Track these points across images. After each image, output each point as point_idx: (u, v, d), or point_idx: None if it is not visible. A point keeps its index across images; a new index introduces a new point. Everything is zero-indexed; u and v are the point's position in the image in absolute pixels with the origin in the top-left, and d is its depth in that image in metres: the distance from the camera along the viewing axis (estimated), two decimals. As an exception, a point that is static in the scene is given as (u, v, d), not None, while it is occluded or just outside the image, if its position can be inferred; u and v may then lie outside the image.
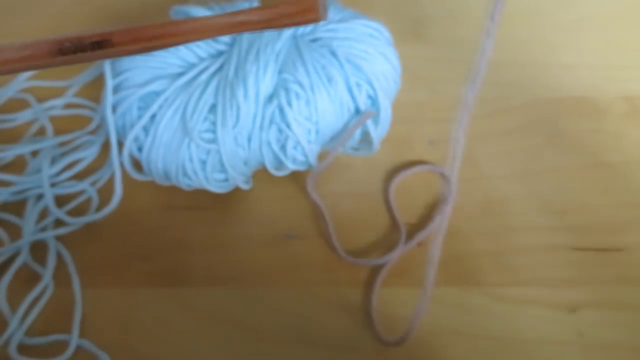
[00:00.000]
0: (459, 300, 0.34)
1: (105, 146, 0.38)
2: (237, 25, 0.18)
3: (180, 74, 0.35)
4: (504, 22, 0.44)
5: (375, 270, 0.34)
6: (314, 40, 0.35)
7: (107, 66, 0.36)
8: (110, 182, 0.37)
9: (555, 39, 0.42)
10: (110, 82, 0.35)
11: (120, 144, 0.36)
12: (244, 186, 0.35)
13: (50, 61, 0.17)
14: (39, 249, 0.35)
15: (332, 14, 0.36)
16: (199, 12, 0.36)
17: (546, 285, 0.34)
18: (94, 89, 0.40)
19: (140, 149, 0.35)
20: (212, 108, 0.34)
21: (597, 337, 0.33)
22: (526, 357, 0.33)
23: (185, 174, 0.34)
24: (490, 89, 0.41)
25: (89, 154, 0.38)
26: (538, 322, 0.33)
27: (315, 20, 0.19)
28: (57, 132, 0.39)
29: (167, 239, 0.36)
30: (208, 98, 0.34)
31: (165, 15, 0.38)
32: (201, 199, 0.36)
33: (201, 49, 0.35)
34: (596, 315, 0.33)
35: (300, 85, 0.33)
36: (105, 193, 0.37)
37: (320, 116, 0.33)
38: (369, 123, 0.34)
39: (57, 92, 0.41)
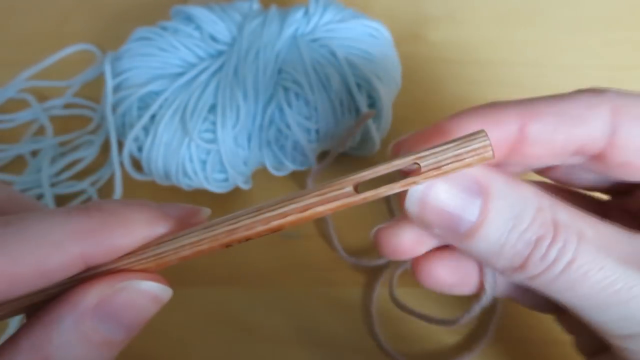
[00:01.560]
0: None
1: (105, 146, 0.38)
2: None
3: (180, 74, 0.35)
4: (504, 22, 0.44)
5: (376, 271, 0.34)
6: (314, 40, 0.35)
7: (107, 66, 0.36)
8: (110, 182, 0.37)
9: (555, 39, 0.42)
10: (110, 82, 0.35)
11: (120, 144, 0.36)
12: (244, 186, 0.35)
13: (213, 252, 0.18)
14: (39, 249, 0.35)
15: (332, 14, 0.36)
16: (199, 11, 0.36)
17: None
18: (94, 89, 0.40)
19: (140, 149, 0.35)
20: (212, 108, 0.34)
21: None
22: (535, 358, 0.33)
23: (185, 174, 0.34)
24: (490, 89, 0.41)
25: (88, 154, 0.38)
26: (547, 322, 0.33)
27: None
28: (57, 132, 0.39)
29: (167, 239, 0.36)
30: (208, 98, 0.34)
31: (166, 16, 0.38)
32: (201, 199, 0.36)
33: (201, 49, 0.35)
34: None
35: (300, 85, 0.33)
36: (105, 193, 0.37)
37: (320, 116, 0.33)
38: (370, 123, 0.34)
39: (57, 92, 0.41)
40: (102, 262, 0.17)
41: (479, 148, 0.16)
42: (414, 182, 0.16)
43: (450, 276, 0.22)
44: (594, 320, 0.19)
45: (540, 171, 0.23)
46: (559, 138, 0.19)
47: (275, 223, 0.17)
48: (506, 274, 0.19)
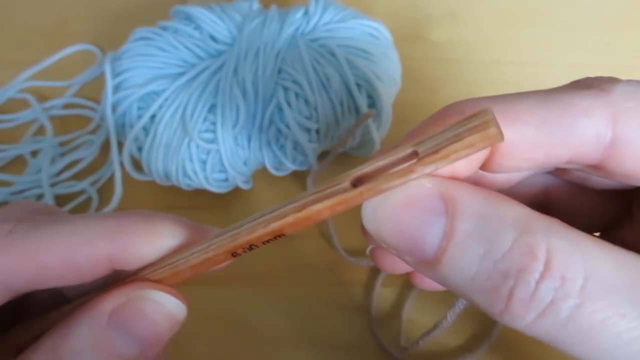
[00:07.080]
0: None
1: (105, 146, 0.38)
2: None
3: (180, 74, 0.35)
4: (504, 22, 0.44)
5: (376, 270, 0.34)
6: (314, 40, 0.35)
7: (107, 66, 0.36)
8: (110, 182, 0.37)
9: (555, 39, 0.42)
10: (110, 82, 0.35)
11: (120, 144, 0.36)
12: (244, 186, 0.35)
13: (222, 262, 0.18)
14: (38, 249, 0.35)
15: (332, 14, 0.36)
16: (199, 11, 0.36)
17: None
18: (94, 89, 0.40)
19: (140, 149, 0.35)
20: (212, 108, 0.34)
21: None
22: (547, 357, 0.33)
23: (185, 174, 0.34)
24: (490, 89, 0.41)
25: (88, 154, 0.38)
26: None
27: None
28: (57, 132, 0.39)
29: (167, 239, 0.36)
30: (208, 98, 0.34)
31: (166, 16, 0.38)
32: (201, 199, 0.36)
33: (201, 49, 0.35)
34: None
35: (300, 85, 0.33)
36: (105, 193, 0.37)
37: (320, 116, 0.33)
38: (370, 123, 0.34)
39: (57, 92, 0.41)
40: (128, 266, 0.18)
41: (480, 124, 0.14)
42: (411, 171, 0.15)
43: None
44: None
45: (551, 172, 0.21)
46: (539, 150, 0.16)
47: (274, 225, 0.17)
48: (498, 320, 0.15)
